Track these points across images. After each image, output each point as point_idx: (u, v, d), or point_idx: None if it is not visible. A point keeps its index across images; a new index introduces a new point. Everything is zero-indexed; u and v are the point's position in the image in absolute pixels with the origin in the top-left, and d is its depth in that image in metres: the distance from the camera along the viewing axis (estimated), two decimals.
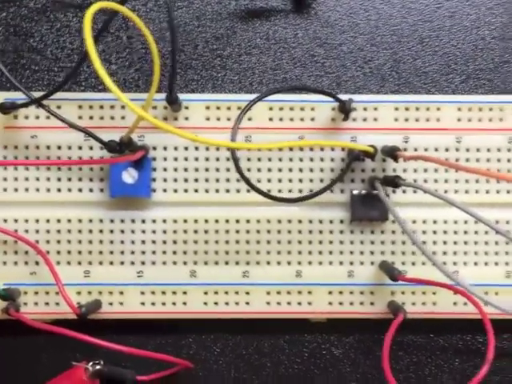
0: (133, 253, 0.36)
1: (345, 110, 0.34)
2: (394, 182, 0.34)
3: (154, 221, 0.36)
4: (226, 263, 0.37)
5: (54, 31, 0.38)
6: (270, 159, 0.36)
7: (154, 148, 0.36)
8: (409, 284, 0.36)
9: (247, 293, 0.37)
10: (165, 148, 0.36)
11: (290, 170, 0.36)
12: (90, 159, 0.35)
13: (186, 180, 0.36)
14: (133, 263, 0.36)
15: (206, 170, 0.36)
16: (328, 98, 0.34)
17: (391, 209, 0.32)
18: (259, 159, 0.36)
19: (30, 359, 0.38)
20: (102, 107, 0.36)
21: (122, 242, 0.36)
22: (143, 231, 0.36)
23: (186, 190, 0.36)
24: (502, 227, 0.36)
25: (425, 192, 0.32)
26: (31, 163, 0.35)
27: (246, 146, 0.35)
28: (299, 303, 0.37)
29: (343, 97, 0.35)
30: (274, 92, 0.33)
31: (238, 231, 0.36)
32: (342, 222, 0.36)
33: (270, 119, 0.36)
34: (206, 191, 0.36)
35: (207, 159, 0.36)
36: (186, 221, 0.36)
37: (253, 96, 0.34)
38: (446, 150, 0.36)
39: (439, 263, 0.29)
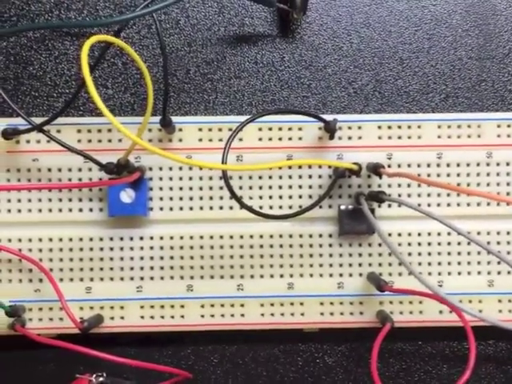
0: (132, 269, 0.38)
1: (330, 129, 0.36)
2: (377, 198, 0.35)
3: (151, 238, 0.38)
4: (221, 277, 0.38)
5: (53, 59, 0.39)
6: (260, 177, 0.38)
7: (150, 168, 0.38)
8: (396, 294, 0.37)
9: (242, 305, 0.38)
10: (160, 168, 0.38)
11: (280, 187, 0.38)
12: (89, 182, 0.37)
13: (181, 198, 0.38)
14: (132, 279, 0.38)
15: (200, 188, 0.38)
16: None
17: (374, 223, 0.34)
18: (250, 177, 0.38)
19: (35, 372, 0.39)
20: (99, 131, 0.38)
21: (122, 258, 0.38)
22: (141, 248, 0.38)
23: (181, 208, 0.38)
24: (481, 238, 0.38)
25: (406, 206, 0.34)
26: (33, 187, 0.37)
27: (236, 168, 0.37)
28: (292, 314, 0.38)
29: (329, 117, 0.37)
30: (262, 115, 0.35)
31: (231, 246, 0.38)
32: (330, 235, 0.38)
33: (260, 139, 0.38)
34: (201, 208, 0.38)
35: (201, 178, 0.38)
36: (182, 237, 0.38)
37: (243, 117, 0.36)
38: (428, 165, 0.38)
39: (417, 273, 0.30)
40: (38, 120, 0.36)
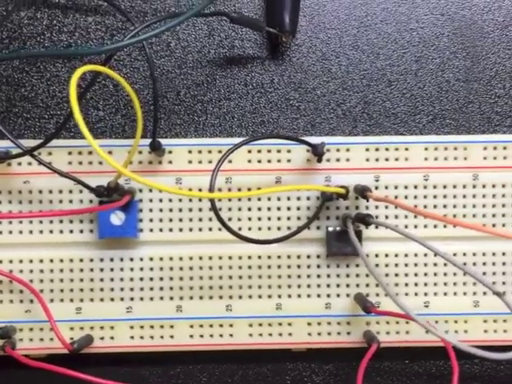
0: (122, 290, 0.38)
1: (317, 153, 0.36)
2: (364, 220, 0.36)
3: (141, 259, 0.38)
4: (210, 298, 0.38)
5: (44, 81, 0.40)
6: (249, 199, 0.38)
7: (140, 190, 0.38)
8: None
9: (231, 325, 0.39)
10: (150, 190, 0.38)
11: (269, 208, 0.38)
12: (80, 209, 0.37)
13: (170, 220, 0.38)
14: (122, 299, 0.38)
15: (190, 209, 0.38)
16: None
17: (357, 247, 0.34)
18: (239, 199, 0.38)
19: None
20: (90, 153, 0.38)
21: (112, 279, 0.38)
22: (131, 269, 0.38)
23: (171, 230, 0.38)
24: (468, 259, 0.38)
25: (391, 229, 0.34)
26: (25, 216, 0.37)
27: (224, 196, 0.37)
28: (280, 334, 0.39)
29: (317, 139, 0.37)
30: (249, 141, 0.35)
31: (220, 267, 0.38)
32: (318, 256, 0.38)
33: (249, 161, 0.38)
34: (190, 230, 0.38)
35: (190, 200, 0.38)
36: (171, 258, 0.38)
37: (232, 139, 0.37)
38: (415, 187, 0.38)
39: (393, 294, 0.31)
40: (29, 142, 0.37)
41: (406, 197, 0.38)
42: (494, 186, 0.38)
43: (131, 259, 0.38)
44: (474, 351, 0.27)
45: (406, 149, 0.38)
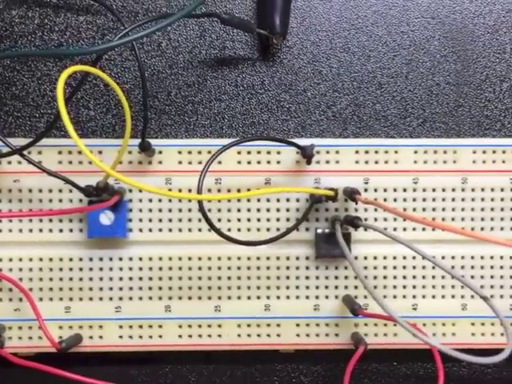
0: (111, 289, 0.38)
1: (306, 155, 0.37)
2: (353, 223, 0.36)
3: (130, 259, 0.38)
4: (199, 298, 0.39)
5: (35, 80, 0.40)
6: (239, 200, 0.38)
7: (130, 190, 0.38)
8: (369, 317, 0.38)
9: (219, 326, 0.39)
10: (140, 190, 0.38)
11: (258, 209, 0.38)
12: (69, 208, 0.37)
13: (160, 220, 0.38)
14: (111, 299, 0.38)
15: (179, 210, 0.38)
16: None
17: (344, 249, 0.34)
18: (229, 200, 0.38)
19: None
20: (80, 152, 0.38)
21: (101, 279, 0.38)
22: (120, 269, 0.38)
23: (160, 230, 0.38)
24: (456, 262, 0.38)
25: (378, 232, 0.34)
26: (14, 215, 0.37)
27: (213, 198, 0.37)
28: (268, 335, 0.39)
29: (307, 140, 0.37)
30: (237, 143, 0.35)
31: (209, 268, 0.38)
32: (307, 258, 0.39)
33: (239, 162, 0.38)
34: (180, 230, 0.38)
35: (180, 200, 0.38)
36: (160, 258, 0.38)
37: (222, 140, 0.37)
38: (404, 190, 0.38)
39: (380, 298, 0.31)
40: (19, 140, 0.37)
41: (395, 200, 0.38)
42: (482, 190, 0.38)
43: (120, 259, 0.38)
44: (456, 354, 0.27)
45: (396, 152, 0.38)
